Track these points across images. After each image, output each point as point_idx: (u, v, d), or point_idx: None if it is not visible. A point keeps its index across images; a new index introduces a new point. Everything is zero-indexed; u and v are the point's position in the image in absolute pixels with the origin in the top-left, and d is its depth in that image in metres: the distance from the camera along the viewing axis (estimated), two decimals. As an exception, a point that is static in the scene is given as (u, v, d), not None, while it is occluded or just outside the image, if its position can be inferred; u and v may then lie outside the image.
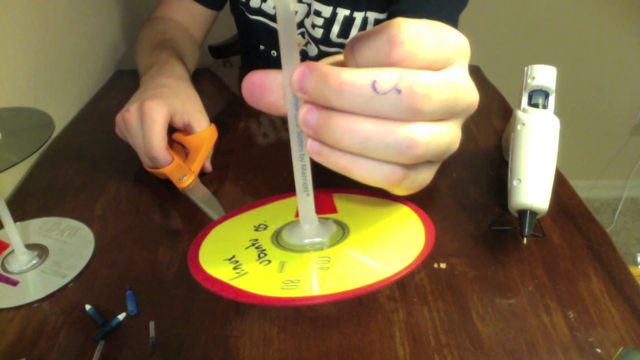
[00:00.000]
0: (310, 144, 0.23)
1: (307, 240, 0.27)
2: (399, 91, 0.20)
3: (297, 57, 0.22)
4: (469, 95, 0.23)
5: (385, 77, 0.20)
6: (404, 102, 0.20)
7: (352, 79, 0.21)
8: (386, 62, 0.21)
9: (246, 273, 0.25)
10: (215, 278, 0.25)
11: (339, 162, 0.22)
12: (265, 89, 0.23)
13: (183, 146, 0.56)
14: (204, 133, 0.55)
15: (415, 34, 0.21)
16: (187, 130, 0.55)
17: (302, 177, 0.25)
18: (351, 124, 0.21)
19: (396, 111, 0.21)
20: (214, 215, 0.49)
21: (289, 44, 0.22)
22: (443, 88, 0.21)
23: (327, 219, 0.30)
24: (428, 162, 0.24)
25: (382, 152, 0.21)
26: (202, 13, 0.83)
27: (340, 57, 0.25)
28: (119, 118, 0.54)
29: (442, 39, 0.22)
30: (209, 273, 0.26)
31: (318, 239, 0.27)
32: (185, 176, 0.52)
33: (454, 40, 0.23)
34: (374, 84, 0.20)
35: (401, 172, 0.23)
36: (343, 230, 0.29)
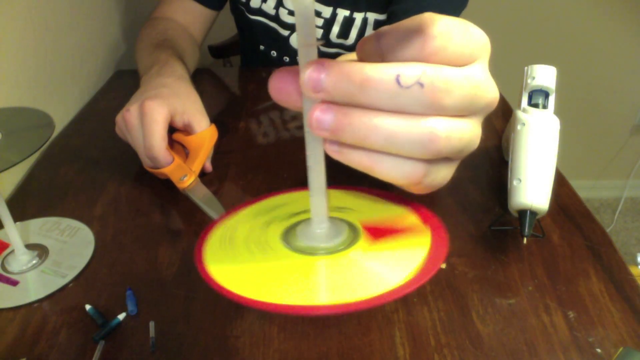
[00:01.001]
0: (330, 143, 0.22)
1: (322, 244, 0.27)
2: (422, 85, 0.20)
3: (315, 56, 0.22)
4: (489, 92, 0.24)
5: (408, 72, 0.20)
6: (426, 96, 0.20)
7: (377, 74, 0.20)
8: (417, 56, 0.21)
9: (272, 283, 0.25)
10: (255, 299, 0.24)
11: (362, 161, 0.22)
12: (292, 86, 0.23)
13: (183, 146, 0.56)
14: (204, 133, 0.55)
15: (447, 28, 0.21)
16: (187, 130, 0.55)
17: (317, 179, 0.25)
18: (375, 121, 0.21)
19: (419, 105, 0.21)
20: (214, 215, 0.49)
21: (307, 43, 0.21)
22: (464, 83, 0.21)
23: (335, 218, 0.29)
24: (447, 159, 0.24)
25: (405, 147, 0.21)
26: (202, 13, 0.83)
27: (350, 56, 0.25)
28: (119, 118, 0.54)
29: (470, 35, 0.22)
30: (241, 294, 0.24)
31: (337, 240, 0.27)
32: (186, 176, 0.52)
33: (479, 37, 0.23)
34: (398, 78, 0.20)
35: (423, 169, 0.23)
36: (354, 231, 0.28)
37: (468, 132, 0.23)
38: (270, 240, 0.28)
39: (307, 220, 0.28)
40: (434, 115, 0.21)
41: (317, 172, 0.25)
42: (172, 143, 0.55)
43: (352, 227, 0.29)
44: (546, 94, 0.49)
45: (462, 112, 0.22)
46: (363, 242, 0.27)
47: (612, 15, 1.58)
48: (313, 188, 0.26)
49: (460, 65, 0.22)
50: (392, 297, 0.23)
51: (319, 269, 0.25)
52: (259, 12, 0.83)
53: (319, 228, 0.27)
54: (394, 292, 0.23)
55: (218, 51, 1.22)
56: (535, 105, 0.48)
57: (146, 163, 0.53)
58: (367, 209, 0.31)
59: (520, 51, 1.59)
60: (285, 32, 0.83)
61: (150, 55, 0.66)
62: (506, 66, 1.23)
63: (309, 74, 0.21)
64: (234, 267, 0.26)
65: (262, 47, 0.88)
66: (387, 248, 0.27)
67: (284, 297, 0.23)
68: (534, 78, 0.49)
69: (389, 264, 0.25)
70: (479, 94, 0.22)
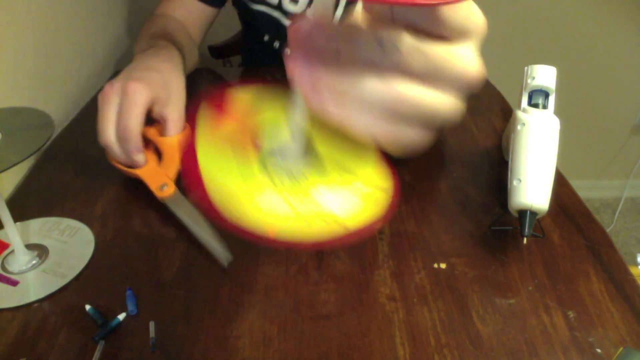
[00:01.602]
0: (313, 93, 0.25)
1: (293, 174, 0.30)
2: (393, 46, 0.23)
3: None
4: (466, 69, 0.25)
5: (385, 35, 0.23)
6: (394, 57, 0.23)
7: (364, 34, 0.23)
8: (425, 19, 0.23)
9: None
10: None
11: (342, 113, 0.24)
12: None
13: (156, 150, 0.54)
14: (174, 139, 0.52)
15: None
16: (161, 125, 0.53)
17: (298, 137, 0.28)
18: (356, 74, 0.23)
19: (389, 65, 0.23)
20: (200, 232, 0.45)
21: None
22: (431, 53, 0.23)
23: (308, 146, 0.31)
24: (417, 122, 0.25)
25: (375, 101, 0.24)
26: (203, 11, 0.83)
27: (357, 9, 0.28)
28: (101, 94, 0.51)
29: (472, 12, 0.24)
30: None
31: (304, 171, 0.30)
32: (166, 186, 0.49)
33: (479, 16, 0.25)
34: (380, 39, 0.23)
35: (390, 127, 0.25)
36: (323, 164, 0.31)
37: (433, 99, 0.24)
38: (251, 157, 0.31)
39: (287, 146, 0.30)
40: (400, 76, 0.23)
41: (299, 131, 0.28)
42: (146, 144, 0.53)
43: (320, 160, 0.31)
44: (546, 94, 0.49)
45: (430, 79, 0.24)
46: (330, 178, 0.30)
47: (612, 16, 1.58)
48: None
49: (459, 38, 0.24)
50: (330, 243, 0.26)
51: (283, 197, 0.28)
52: (262, 1, 0.83)
53: (292, 155, 0.30)
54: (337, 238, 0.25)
55: (218, 51, 1.22)
56: (535, 105, 0.48)
57: (112, 154, 0.51)
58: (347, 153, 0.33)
59: (520, 51, 1.59)
60: (288, 22, 0.83)
61: (147, 43, 0.65)
62: (506, 66, 1.23)
63: (306, 23, 0.24)
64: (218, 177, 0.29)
65: (266, 38, 0.88)
66: (349, 189, 0.30)
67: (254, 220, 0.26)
68: (534, 78, 0.49)
69: (345, 204, 0.28)
70: (450, 67, 0.24)
